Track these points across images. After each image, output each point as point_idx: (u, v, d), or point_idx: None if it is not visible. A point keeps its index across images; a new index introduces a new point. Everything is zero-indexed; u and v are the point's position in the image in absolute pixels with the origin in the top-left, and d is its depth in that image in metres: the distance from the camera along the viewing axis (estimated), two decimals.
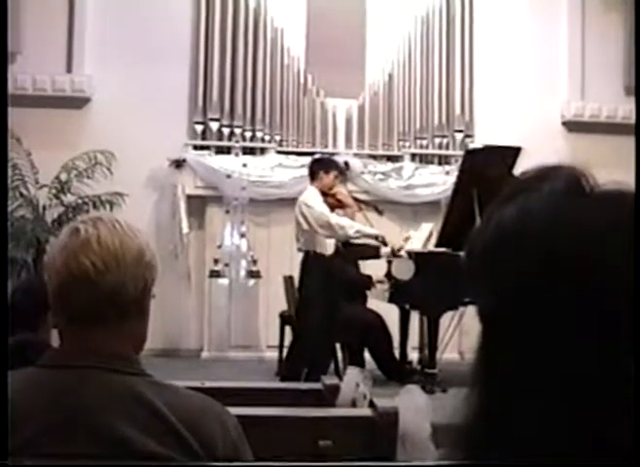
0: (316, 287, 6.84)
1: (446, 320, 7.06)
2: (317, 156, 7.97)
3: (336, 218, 6.90)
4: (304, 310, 6.98)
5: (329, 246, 6.98)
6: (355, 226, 6.97)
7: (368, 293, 7.64)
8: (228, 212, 8.81)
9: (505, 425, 0.77)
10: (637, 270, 0.73)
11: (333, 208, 7.07)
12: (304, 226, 6.92)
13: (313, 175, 7.13)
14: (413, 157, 9.32)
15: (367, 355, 7.44)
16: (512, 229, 0.78)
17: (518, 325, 0.76)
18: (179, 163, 8.90)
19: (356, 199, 7.53)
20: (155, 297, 1.74)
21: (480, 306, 0.82)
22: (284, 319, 7.61)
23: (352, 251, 7.30)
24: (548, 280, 0.75)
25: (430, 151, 9.35)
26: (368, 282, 7.50)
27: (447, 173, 9.04)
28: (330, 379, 3.46)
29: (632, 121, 9.48)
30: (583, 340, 0.74)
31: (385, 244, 7.14)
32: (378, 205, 7.75)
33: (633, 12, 9.50)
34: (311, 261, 6.94)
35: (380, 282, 7.35)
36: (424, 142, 9.34)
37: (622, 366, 0.72)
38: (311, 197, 6.98)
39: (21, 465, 1.51)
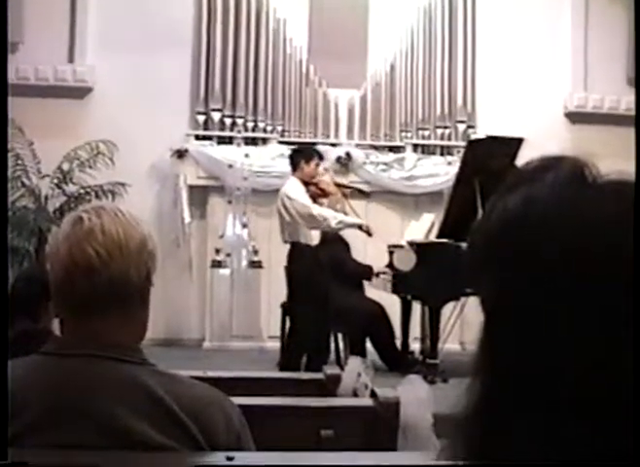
0: (305, 278, 6.84)
1: (448, 311, 7.07)
2: (296, 146, 7.93)
3: (318, 209, 6.86)
4: (296, 302, 7.01)
5: (314, 237, 6.97)
6: (338, 216, 6.96)
7: (368, 283, 7.65)
8: (230, 202, 8.81)
9: (506, 415, 0.77)
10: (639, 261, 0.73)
11: (315, 198, 7.05)
12: (287, 218, 6.91)
13: (294, 166, 7.11)
14: (415, 147, 9.32)
15: (368, 345, 7.45)
16: (515, 218, 0.78)
17: (521, 315, 0.76)
18: (181, 154, 8.90)
19: (339, 185, 7.49)
20: (153, 286, 1.74)
21: (483, 297, 0.82)
22: (285, 310, 7.61)
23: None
24: (550, 270, 0.75)
25: (432, 141, 9.34)
26: (369, 272, 7.50)
27: (449, 164, 9.03)
28: (331, 369, 3.46)
29: (634, 112, 9.47)
30: (584, 330, 0.74)
31: (370, 234, 7.11)
32: (363, 188, 7.73)
33: (634, 5, 9.47)
34: (297, 252, 6.95)
35: (384, 273, 7.36)
36: (426, 133, 9.33)
37: (624, 357, 0.73)
38: (293, 189, 6.96)
39: (22, 463, 1.51)
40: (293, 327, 7.21)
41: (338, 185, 7.45)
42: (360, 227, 7.08)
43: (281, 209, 6.95)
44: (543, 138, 7.99)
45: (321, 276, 6.85)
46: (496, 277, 0.79)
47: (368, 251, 8.18)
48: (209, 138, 9.03)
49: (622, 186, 0.78)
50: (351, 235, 7.59)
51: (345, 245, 7.62)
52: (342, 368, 3.51)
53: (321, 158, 7.30)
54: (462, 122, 9.30)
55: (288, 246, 7.08)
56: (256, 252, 8.82)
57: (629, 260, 0.73)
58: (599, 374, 0.73)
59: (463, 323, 7.51)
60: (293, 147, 8.17)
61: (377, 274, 7.49)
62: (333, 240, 7.31)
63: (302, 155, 7.17)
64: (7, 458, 1.49)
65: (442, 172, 9.10)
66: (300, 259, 6.93)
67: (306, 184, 7.03)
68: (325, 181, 7.25)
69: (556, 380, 0.75)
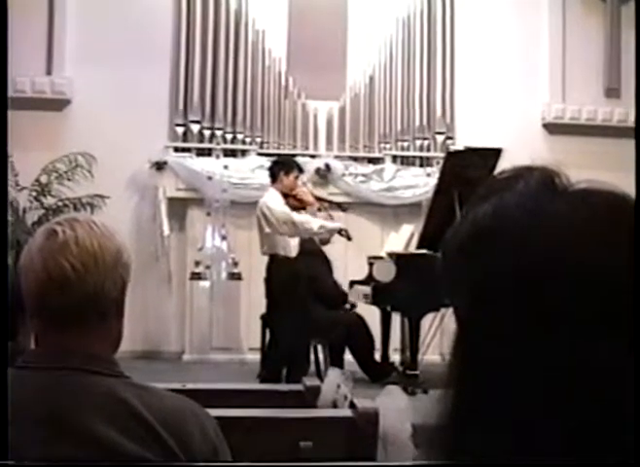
0: (284, 289, 6.88)
1: (428, 322, 7.07)
2: (276, 158, 7.98)
3: (298, 216, 6.95)
4: (275, 313, 7.02)
5: (293, 248, 7.01)
6: (319, 221, 7.05)
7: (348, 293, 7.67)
8: (209, 214, 8.80)
9: (480, 425, 0.77)
10: (609, 268, 0.73)
11: (294, 209, 7.09)
12: (266, 229, 6.96)
13: (274, 177, 7.18)
14: (394, 158, 9.34)
15: (348, 356, 7.44)
16: (486, 227, 0.79)
17: (493, 324, 0.77)
18: (160, 166, 8.87)
19: (318, 199, 7.52)
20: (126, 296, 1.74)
21: (456, 306, 0.82)
22: (265, 321, 7.60)
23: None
24: (521, 279, 0.75)
25: (411, 153, 9.37)
26: (340, 299, 7.52)
27: (429, 175, 9.06)
28: (311, 381, 3.46)
29: (612, 123, 9.59)
30: (557, 339, 0.74)
31: (349, 238, 7.20)
32: (342, 203, 7.77)
33: (610, 17, 9.57)
34: (276, 264, 6.98)
35: (352, 306, 7.44)
36: (405, 144, 9.36)
37: (598, 365, 0.73)
38: (272, 199, 7.04)
39: (24, 464, 1.50)
40: (273, 339, 7.21)
41: (317, 198, 7.48)
42: (340, 231, 7.16)
43: (261, 220, 6.98)
44: (521, 149, 8.01)
45: (300, 288, 6.87)
46: (468, 287, 0.79)
47: (348, 262, 8.19)
48: (188, 150, 9.02)
49: (592, 194, 0.78)
50: (333, 252, 7.61)
51: (326, 261, 7.57)
52: (322, 379, 3.51)
53: (301, 170, 7.36)
54: (441, 133, 9.33)
55: (267, 258, 7.10)
56: (235, 264, 8.81)
57: (598, 268, 0.74)
58: (573, 383, 0.73)
59: (443, 334, 7.50)
60: (273, 158, 8.18)
61: (351, 306, 7.53)
62: (312, 253, 7.30)
63: (282, 166, 7.22)
64: (7, 458, 1.48)
65: (421, 183, 9.12)
66: (278, 271, 6.96)
67: (285, 196, 7.09)
68: (303, 191, 7.30)
69: (530, 390, 0.75)
